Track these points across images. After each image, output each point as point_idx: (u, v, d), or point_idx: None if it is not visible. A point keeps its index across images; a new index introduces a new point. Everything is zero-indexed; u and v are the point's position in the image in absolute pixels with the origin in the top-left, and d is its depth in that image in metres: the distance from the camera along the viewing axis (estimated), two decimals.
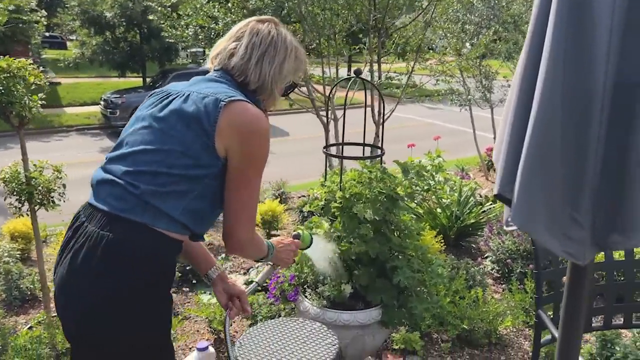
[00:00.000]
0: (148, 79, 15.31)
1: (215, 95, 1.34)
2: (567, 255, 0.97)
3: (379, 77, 5.27)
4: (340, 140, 4.97)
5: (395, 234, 2.65)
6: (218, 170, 1.34)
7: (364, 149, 2.92)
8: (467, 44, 6.82)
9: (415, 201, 4.65)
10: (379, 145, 2.87)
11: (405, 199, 4.71)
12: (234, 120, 1.32)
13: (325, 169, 2.85)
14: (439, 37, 7.15)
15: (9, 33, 14.38)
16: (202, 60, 18.22)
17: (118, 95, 12.41)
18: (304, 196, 6.02)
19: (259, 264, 3.70)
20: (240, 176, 1.35)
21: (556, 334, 1.63)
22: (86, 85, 18.51)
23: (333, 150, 4.54)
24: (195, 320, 3.34)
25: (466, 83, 7.16)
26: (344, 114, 2.65)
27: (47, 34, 22.78)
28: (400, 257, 2.62)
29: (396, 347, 2.95)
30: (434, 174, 4.87)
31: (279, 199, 5.61)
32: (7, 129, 11.75)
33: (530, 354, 2.56)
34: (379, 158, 2.79)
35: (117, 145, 1.41)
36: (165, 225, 1.30)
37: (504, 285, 3.77)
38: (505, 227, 1.02)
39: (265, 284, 3.25)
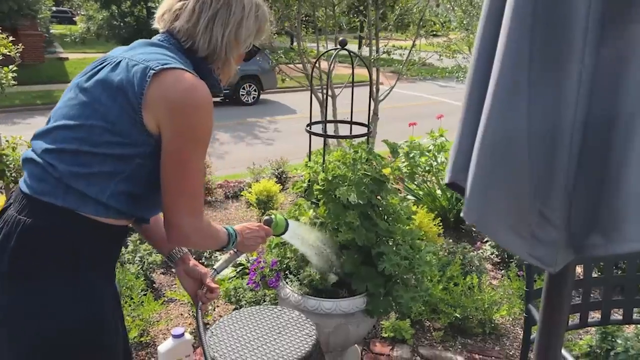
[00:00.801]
0: None
1: (146, 63, 1.16)
2: (535, 260, 0.78)
3: (377, 52, 5.04)
4: (337, 118, 4.80)
5: (383, 218, 2.50)
6: (151, 149, 1.18)
7: (351, 127, 2.75)
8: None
9: (415, 182, 4.48)
10: (369, 123, 2.70)
11: (406, 180, 4.57)
12: (165, 91, 1.14)
13: (310, 148, 2.69)
14: (446, 10, 6.84)
15: (15, 7, 14.27)
16: None
17: None
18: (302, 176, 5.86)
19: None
20: (175, 156, 1.17)
21: None
22: (94, 60, 18.35)
23: (325, 129, 4.35)
24: (181, 304, 3.25)
25: None
26: (327, 89, 2.48)
27: (54, 8, 22.60)
28: (389, 242, 2.47)
29: (385, 335, 2.83)
30: (436, 154, 4.67)
31: (277, 179, 5.47)
32: (13, 104, 11.79)
33: None
34: (367, 137, 2.62)
35: (48, 119, 1.26)
36: (92, 210, 1.15)
37: (503, 271, 3.61)
38: (466, 221, 0.83)
39: (246, 269, 3.14)
